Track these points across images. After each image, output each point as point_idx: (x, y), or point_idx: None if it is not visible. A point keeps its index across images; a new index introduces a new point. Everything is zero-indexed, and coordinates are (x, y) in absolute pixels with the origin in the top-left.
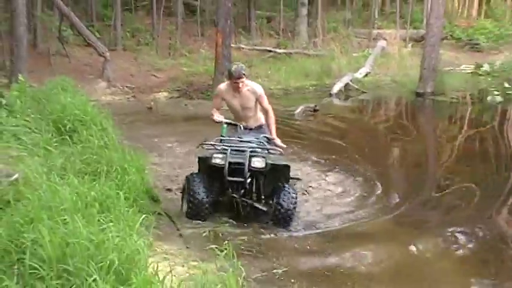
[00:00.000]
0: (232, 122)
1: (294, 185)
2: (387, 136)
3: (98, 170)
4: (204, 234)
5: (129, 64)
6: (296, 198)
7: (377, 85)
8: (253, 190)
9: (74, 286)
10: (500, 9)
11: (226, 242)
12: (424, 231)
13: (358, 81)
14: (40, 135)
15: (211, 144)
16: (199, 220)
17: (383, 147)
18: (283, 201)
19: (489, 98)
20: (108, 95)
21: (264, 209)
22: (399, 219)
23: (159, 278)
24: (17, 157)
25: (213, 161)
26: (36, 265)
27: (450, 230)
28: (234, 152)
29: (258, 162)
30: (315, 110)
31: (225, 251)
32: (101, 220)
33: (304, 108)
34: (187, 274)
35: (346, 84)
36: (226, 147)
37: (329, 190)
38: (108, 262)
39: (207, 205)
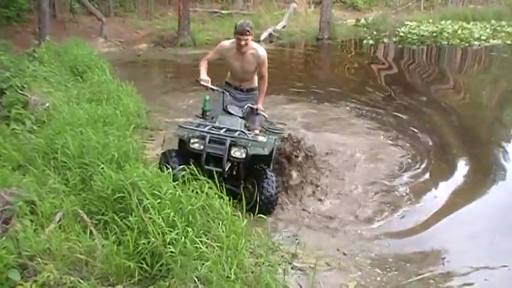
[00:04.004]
0: (219, 89)
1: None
2: (301, 62)
3: (101, 98)
4: None
5: (119, 26)
6: (278, 182)
7: (291, 34)
8: (232, 174)
9: (90, 172)
10: None
11: None
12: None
13: (278, 31)
14: (61, 77)
15: (190, 128)
16: None
17: (298, 67)
18: (266, 187)
19: (365, 41)
20: (106, 47)
21: (239, 191)
22: None
23: (144, 165)
24: (47, 92)
25: (191, 145)
26: (65, 160)
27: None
28: (213, 142)
29: (238, 153)
30: None
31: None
32: (105, 130)
33: None
34: None
35: (270, 34)
36: (205, 134)
37: None
38: (110, 156)
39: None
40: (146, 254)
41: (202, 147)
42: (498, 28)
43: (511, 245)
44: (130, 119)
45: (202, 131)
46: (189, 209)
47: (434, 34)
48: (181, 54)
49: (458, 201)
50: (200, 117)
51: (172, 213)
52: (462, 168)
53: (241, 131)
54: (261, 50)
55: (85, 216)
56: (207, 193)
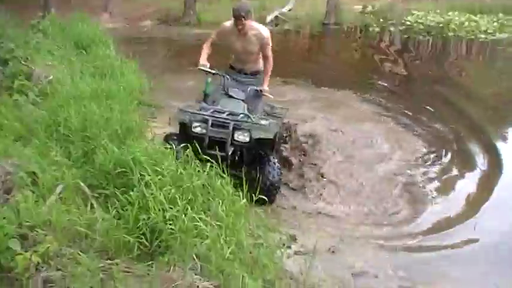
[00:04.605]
0: (219, 73)
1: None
2: (306, 47)
3: (104, 73)
4: None
5: (125, 2)
6: (280, 169)
7: (296, 17)
8: (235, 160)
9: (92, 146)
10: None
11: None
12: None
13: (283, 14)
14: (65, 50)
15: (192, 112)
16: None
17: (303, 51)
18: (269, 173)
19: (370, 28)
20: (111, 23)
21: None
22: None
23: (145, 140)
24: (50, 65)
25: (193, 129)
26: (67, 133)
27: None
28: (216, 126)
29: (241, 136)
30: None
31: None
32: (109, 105)
33: None
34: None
35: (276, 17)
36: (207, 117)
37: None
38: (113, 131)
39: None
40: (146, 229)
41: (204, 131)
42: (505, 22)
43: None
44: (133, 94)
45: (204, 115)
46: (190, 186)
47: (441, 25)
48: (186, 33)
49: (474, 193)
50: (200, 101)
51: (173, 191)
52: (480, 158)
53: (245, 114)
54: (264, 31)
55: (86, 189)
56: (208, 172)
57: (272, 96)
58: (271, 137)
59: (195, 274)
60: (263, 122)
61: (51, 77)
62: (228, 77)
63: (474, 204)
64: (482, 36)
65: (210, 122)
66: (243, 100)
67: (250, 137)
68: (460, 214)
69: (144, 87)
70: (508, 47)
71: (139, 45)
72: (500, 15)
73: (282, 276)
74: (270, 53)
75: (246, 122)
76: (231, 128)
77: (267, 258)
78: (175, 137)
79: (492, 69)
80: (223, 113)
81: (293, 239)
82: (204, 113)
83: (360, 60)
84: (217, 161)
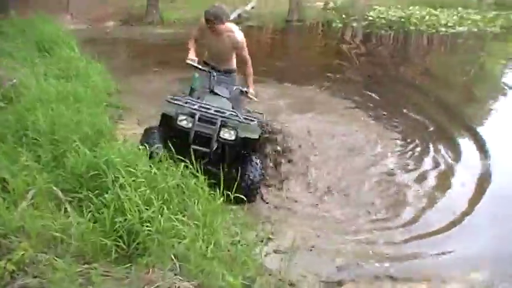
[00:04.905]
0: (205, 69)
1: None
2: (269, 44)
3: (70, 75)
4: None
5: (88, 2)
6: (262, 169)
7: (260, 15)
8: (217, 157)
9: (62, 149)
10: None
11: None
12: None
13: (246, 12)
14: (27, 52)
15: (179, 104)
16: None
17: (266, 48)
18: (251, 173)
19: (333, 24)
20: (72, 24)
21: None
22: None
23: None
24: (13, 68)
25: (178, 122)
26: (35, 137)
27: None
28: (203, 121)
29: (227, 134)
30: None
31: None
32: (77, 107)
33: None
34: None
35: (239, 15)
36: (195, 111)
37: None
38: (84, 133)
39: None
40: (123, 232)
41: (190, 125)
42: (465, 15)
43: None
44: (100, 96)
45: (192, 108)
46: (165, 187)
47: (402, 19)
48: (149, 33)
49: (467, 189)
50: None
51: (148, 191)
52: (466, 149)
53: (232, 112)
54: (239, 35)
55: (59, 193)
56: (182, 172)
57: (257, 99)
58: (257, 137)
59: (175, 274)
60: (251, 122)
61: (14, 80)
62: (214, 74)
63: (468, 201)
64: (443, 29)
65: (197, 117)
66: (227, 98)
67: (237, 136)
68: (452, 211)
69: (111, 89)
70: (468, 39)
71: (103, 46)
72: (460, 8)
73: (261, 273)
74: (247, 57)
75: (233, 120)
76: (218, 124)
77: (246, 255)
78: (155, 130)
79: (455, 61)
80: (210, 108)
81: (271, 238)
82: (192, 106)
83: (323, 55)
84: (197, 157)
